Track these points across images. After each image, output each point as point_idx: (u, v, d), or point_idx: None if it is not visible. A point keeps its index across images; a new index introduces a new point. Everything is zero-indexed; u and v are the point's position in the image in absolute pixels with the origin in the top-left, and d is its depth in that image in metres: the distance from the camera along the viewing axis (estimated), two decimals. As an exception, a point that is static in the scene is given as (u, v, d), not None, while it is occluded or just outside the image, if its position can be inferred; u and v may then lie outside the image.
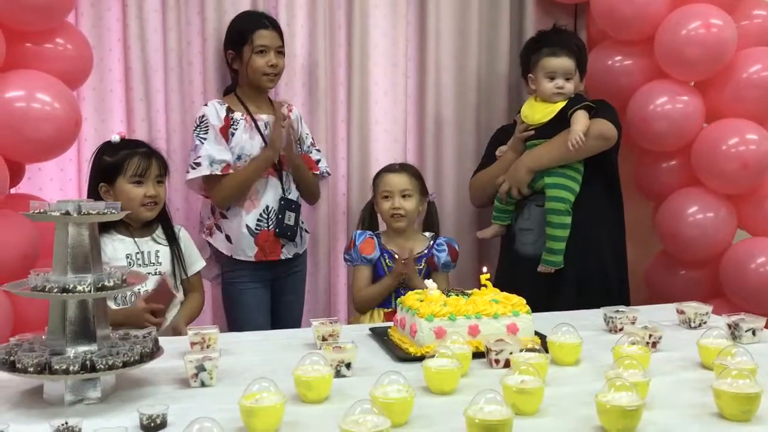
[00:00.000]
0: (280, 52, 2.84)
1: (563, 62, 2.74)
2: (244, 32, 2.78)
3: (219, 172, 2.72)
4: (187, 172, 2.75)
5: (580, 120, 2.68)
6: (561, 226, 2.70)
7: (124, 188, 2.42)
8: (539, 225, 2.78)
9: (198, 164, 2.72)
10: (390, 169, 2.79)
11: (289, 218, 2.81)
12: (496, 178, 2.86)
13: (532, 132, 2.79)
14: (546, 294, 2.64)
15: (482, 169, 3.01)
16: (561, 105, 2.74)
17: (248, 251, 2.79)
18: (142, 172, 2.43)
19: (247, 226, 2.78)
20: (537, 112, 2.79)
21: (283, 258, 2.85)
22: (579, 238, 2.72)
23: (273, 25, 2.83)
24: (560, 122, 2.73)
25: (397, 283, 2.61)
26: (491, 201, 2.93)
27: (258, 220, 2.79)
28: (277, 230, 2.79)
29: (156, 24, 2.93)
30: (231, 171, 2.73)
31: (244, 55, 2.78)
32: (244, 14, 2.91)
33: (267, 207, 2.79)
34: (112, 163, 2.43)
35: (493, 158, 2.96)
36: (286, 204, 2.81)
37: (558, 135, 2.73)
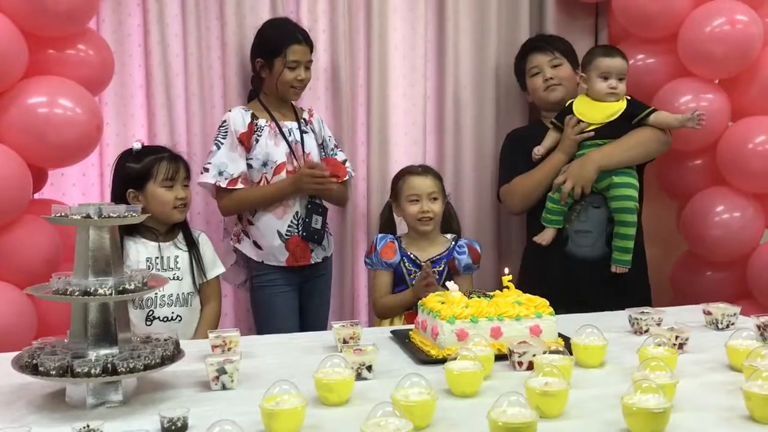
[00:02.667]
0: (309, 66, 2.85)
1: (617, 62, 2.73)
2: (278, 45, 2.77)
3: (223, 185, 2.73)
4: (200, 173, 2.78)
5: (671, 115, 2.74)
6: (632, 224, 2.69)
7: (156, 193, 2.45)
8: (597, 226, 2.75)
9: (207, 170, 2.74)
10: (413, 171, 2.76)
11: (316, 222, 2.81)
12: (544, 181, 2.78)
13: (592, 134, 2.74)
14: (611, 294, 2.60)
15: (510, 176, 2.90)
16: (623, 105, 2.73)
17: (279, 257, 2.80)
18: (172, 176, 2.48)
19: (279, 233, 2.78)
20: (598, 111, 2.74)
21: (312, 262, 2.85)
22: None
23: (305, 39, 2.83)
24: (620, 123, 2.73)
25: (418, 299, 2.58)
26: (533, 206, 2.86)
27: (289, 226, 2.79)
28: (304, 234, 2.79)
29: (176, 29, 2.95)
30: (239, 184, 2.74)
31: (275, 68, 2.78)
32: (277, 24, 2.88)
33: (297, 213, 2.80)
34: (140, 170, 2.47)
35: (519, 165, 2.88)
36: (313, 208, 2.81)
37: (628, 135, 2.73)
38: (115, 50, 2.81)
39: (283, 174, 2.78)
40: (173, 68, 2.95)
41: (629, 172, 2.73)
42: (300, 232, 2.79)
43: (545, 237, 2.78)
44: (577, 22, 3.36)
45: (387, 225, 2.80)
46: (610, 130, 2.73)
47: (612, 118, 2.73)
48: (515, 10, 3.31)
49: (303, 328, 2.83)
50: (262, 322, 2.88)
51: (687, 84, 3.00)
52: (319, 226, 2.81)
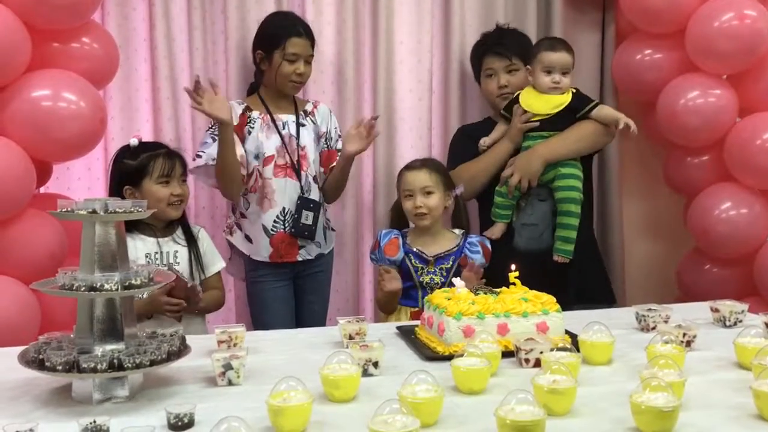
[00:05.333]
0: (309, 60, 2.83)
1: (561, 57, 2.74)
2: (277, 37, 2.76)
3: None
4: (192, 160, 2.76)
5: (613, 111, 2.79)
6: (575, 215, 2.72)
7: (152, 189, 2.45)
8: (543, 219, 2.78)
9: (199, 156, 2.73)
10: (410, 166, 2.74)
11: (307, 217, 2.78)
12: (490, 167, 2.81)
13: (537, 123, 2.76)
14: (552, 288, 2.59)
15: (456, 167, 2.91)
16: (567, 98, 2.75)
17: (263, 252, 2.79)
18: (168, 173, 2.47)
19: (263, 227, 2.77)
20: (543, 103, 2.76)
21: (300, 259, 2.82)
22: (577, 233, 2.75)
23: (306, 33, 2.81)
24: (565, 115, 2.75)
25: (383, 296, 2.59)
26: (478, 193, 2.89)
27: (274, 221, 2.77)
28: (292, 230, 2.77)
29: (182, 23, 2.94)
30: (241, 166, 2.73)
31: (274, 60, 2.77)
32: (279, 17, 2.87)
33: (284, 209, 2.78)
34: (136, 166, 2.46)
35: (463, 158, 2.90)
36: (303, 203, 2.78)
37: (572, 128, 2.75)
38: (120, 44, 2.80)
39: (271, 166, 2.77)
40: (179, 62, 2.94)
41: (573, 164, 2.76)
42: (287, 228, 2.77)
43: (494, 231, 2.80)
44: (584, 17, 3.34)
45: (397, 222, 2.77)
46: (555, 122, 2.75)
47: (556, 110, 2.75)
48: (522, 6, 3.29)
49: (298, 323, 2.82)
50: (255, 316, 2.88)
51: (694, 79, 2.98)
52: (309, 222, 2.78)
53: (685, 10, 2.94)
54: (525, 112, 2.77)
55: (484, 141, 2.87)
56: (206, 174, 2.78)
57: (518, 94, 2.83)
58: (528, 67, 2.82)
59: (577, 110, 2.76)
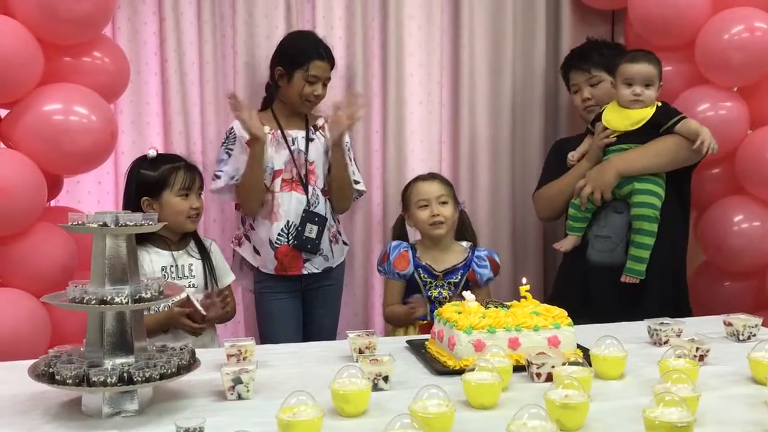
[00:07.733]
0: (327, 83, 2.85)
1: (641, 68, 2.63)
2: (301, 57, 2.78)
3: (237, 182, 2.74)
4: (212, 181, 2.79)
5: (695, 125, 2.61)
6: (649, 233, 2.58)
7: (172, 202, 2.45)
8: (617, 233, 2.66)
9: (218, 176, 2.76)
10: (420, 178, 2.76)
11: (311, 231, 2.78)
12: (567, 188, 2.74)
13: (614, 140, 2.67)
14: (624, 304, 2.53)
15: (544, 182, 2.90)
16: (650, 113, 2.64)
17: (269, 264, 2.80)
18: (188, 185, 2.47)
19: (269, 240, 2.78)
20: (623, 118, 2.66)
21: (306, 273, 2.82)
22: (659, 250, 2.60)
23: (328, 56, 2.84)
24: (648, 130, 2.64)
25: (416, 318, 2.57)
26: (560, 213, 2.84)
27: (279, 234, 2.78)
28: (295, 243, 2.77)
29: (192, 37, 2.96)
30: None
31: (295, 79, 2.79)
32: (301, 37, 2.89)
33: (288, 222, 2.78)
34: (157, 178, 2.45)
35: (555, 171, 2.86)
36: (308, 216, 2.78)
37: (653, 142, 2.63)
38: (131, 58, 2.82)
39: (279, 180, 2.78)
40: (189, 76, 2.96)
41: (653, 179, 2.63)
42: (290, 241, 2.77)
43: (565, 244, 2.73)
44: (593, 30, 3.32)
45: (400, 238, 2.77)
46: (637, 136, 2.65)
47: (636, 126, 2.64)
48: (531, 18, 3.30)
49: (306, 337, 2.82)
50: (263, 328, 2.88)
51: (705, 92, 2.97)
52: (313, 236, 2.78)
53: (694, 23, 2.93)
54: (606, 128, 2.69)
55: (572, 155, 2.81)
56: (229, 191, 2.81)
57: (603, 110, 2.75)
58: (612, 81, 2.76)
59: (660, 125, 2.64)
